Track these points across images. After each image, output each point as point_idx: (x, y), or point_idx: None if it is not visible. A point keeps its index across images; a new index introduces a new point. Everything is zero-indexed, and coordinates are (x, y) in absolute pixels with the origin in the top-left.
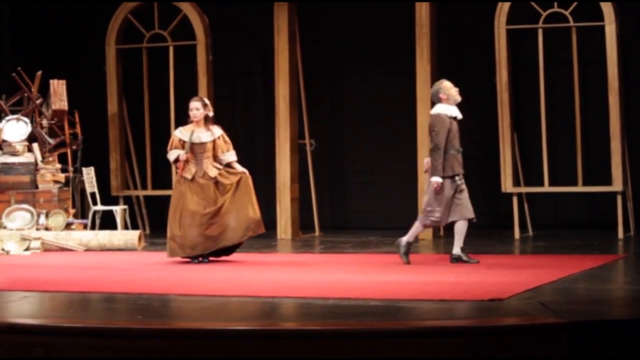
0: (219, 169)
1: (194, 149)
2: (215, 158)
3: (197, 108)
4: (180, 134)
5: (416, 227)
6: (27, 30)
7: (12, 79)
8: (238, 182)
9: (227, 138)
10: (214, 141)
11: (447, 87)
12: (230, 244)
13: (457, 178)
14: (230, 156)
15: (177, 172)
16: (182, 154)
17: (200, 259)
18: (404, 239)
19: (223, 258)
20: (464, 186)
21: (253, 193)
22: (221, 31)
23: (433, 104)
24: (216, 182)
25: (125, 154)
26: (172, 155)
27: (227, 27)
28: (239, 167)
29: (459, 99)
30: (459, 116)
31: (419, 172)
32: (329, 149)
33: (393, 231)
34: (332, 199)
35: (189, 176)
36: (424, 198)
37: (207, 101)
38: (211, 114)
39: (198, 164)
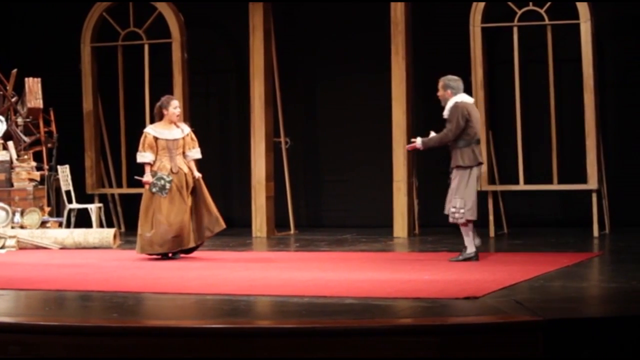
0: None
1: (169, 145)
2: (184, 154)
3: (179, 107)
4: (153, 132)
5: None
6: (2, 28)
7: None
8: (195, 187)
9: (193, 135)
10: (183, 138)
11: None
12: (192, 245)
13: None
14: (196, 153)
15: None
16: (147, 176)
17: (171, 254)
18: None
19: (194, 254)
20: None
21: (208, 195)
22: (196, 29)
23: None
24: (185, 179)
25: (100, 152)
26: (143, 158)
27: (202, 25)
28: (195, 171)
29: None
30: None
31: (394, 170)
32: (304, 147)
33: (368, 229)
34: (308, 197)
35: (166, 173)
36: None
37: None
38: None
39: (172, 160)
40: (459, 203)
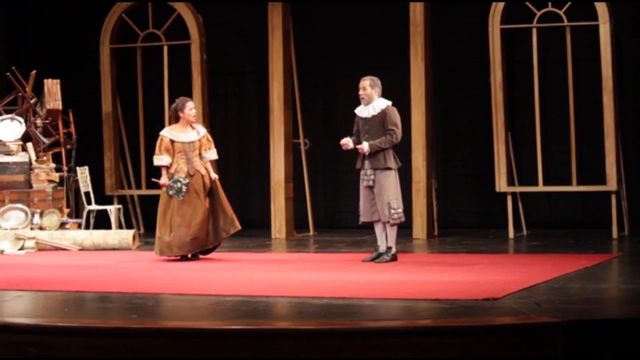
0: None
1: (185, 147)
2: (200, 156)
3: (194, 108)
4: (169, 134)
5: None
6: (22, 29)
7: (7, 78)
8: (212, 188)
9: (209, 136)
10: (199, 139)
11: None
12: (210, 247)
13: (361, 172)
14: (212, 154)
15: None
16: (164, 179)
17: (190, 255)
18: None
19: (213, 255)
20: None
21: (223, 196)
22: (215, 30)
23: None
24: (203, 180)
25: (119, 153)
26: (160, 160)
27: (221, 26)
28: (212, 172)
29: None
30: (360, 114)
31: (414, 172)
32: (323, 148)
33: None
34: (326, 198)
35: (182, 176)
36: None
37: None
38: None
39: (189, 163)
40: (395, 204)
